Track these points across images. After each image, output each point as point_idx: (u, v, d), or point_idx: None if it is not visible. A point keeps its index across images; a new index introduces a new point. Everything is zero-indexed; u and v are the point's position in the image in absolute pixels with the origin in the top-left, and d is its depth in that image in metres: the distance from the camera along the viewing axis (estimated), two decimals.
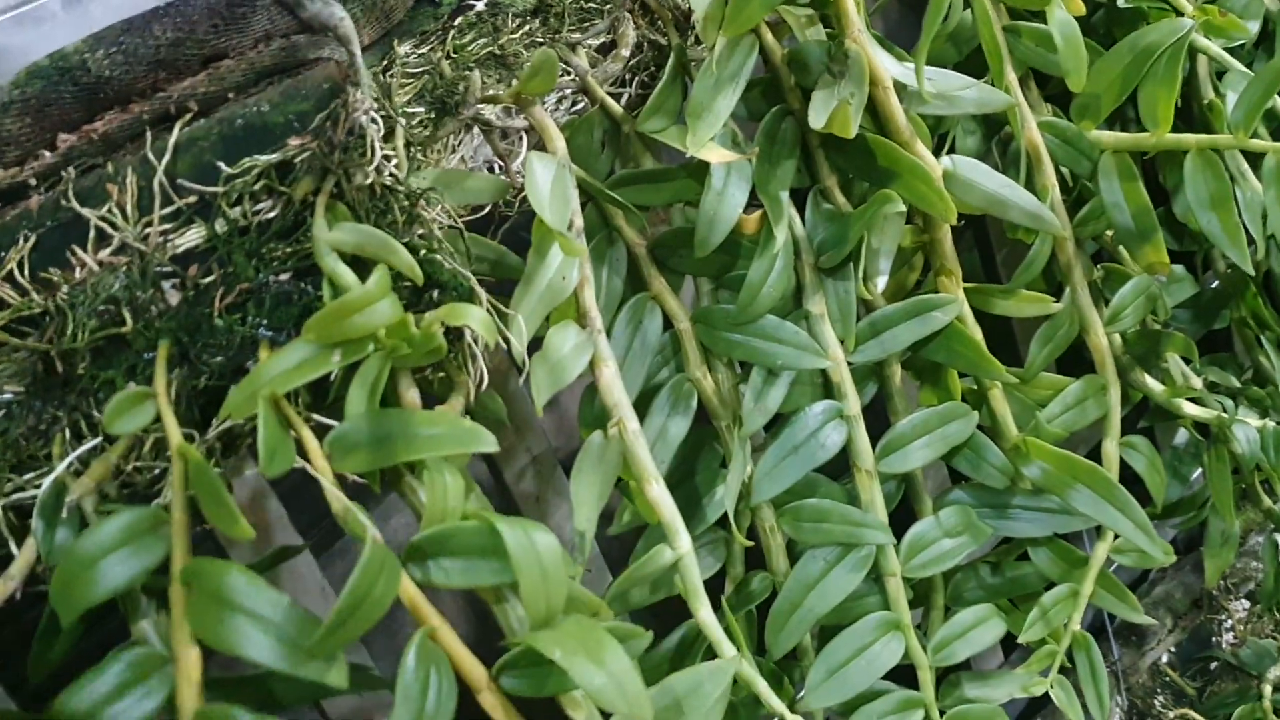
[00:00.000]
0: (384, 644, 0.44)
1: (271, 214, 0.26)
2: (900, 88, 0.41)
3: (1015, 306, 0.47)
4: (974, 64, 0.47)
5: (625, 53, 0.41)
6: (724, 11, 0.36)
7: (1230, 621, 0.70)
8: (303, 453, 0.26)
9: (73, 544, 0.24)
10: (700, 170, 0.40)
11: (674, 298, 0.42)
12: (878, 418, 0.45)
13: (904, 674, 0.45)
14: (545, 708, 0.29)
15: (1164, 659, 0.69)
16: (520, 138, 0.38)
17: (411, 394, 0.29)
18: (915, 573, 0.44)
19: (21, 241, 0.25)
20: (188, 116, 0.26)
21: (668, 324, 0.42)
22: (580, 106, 0.41)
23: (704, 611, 0.35)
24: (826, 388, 0.43)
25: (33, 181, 0.25)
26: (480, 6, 0.38)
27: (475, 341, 0.31)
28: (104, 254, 0.25)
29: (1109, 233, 0.50)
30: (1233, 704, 0.65)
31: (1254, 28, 0.53)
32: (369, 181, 0.27)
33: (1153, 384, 0.52)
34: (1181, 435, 0.59)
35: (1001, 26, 0.46)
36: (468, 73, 0.35)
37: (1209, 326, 0.59)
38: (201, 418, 0.30)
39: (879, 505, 0.44)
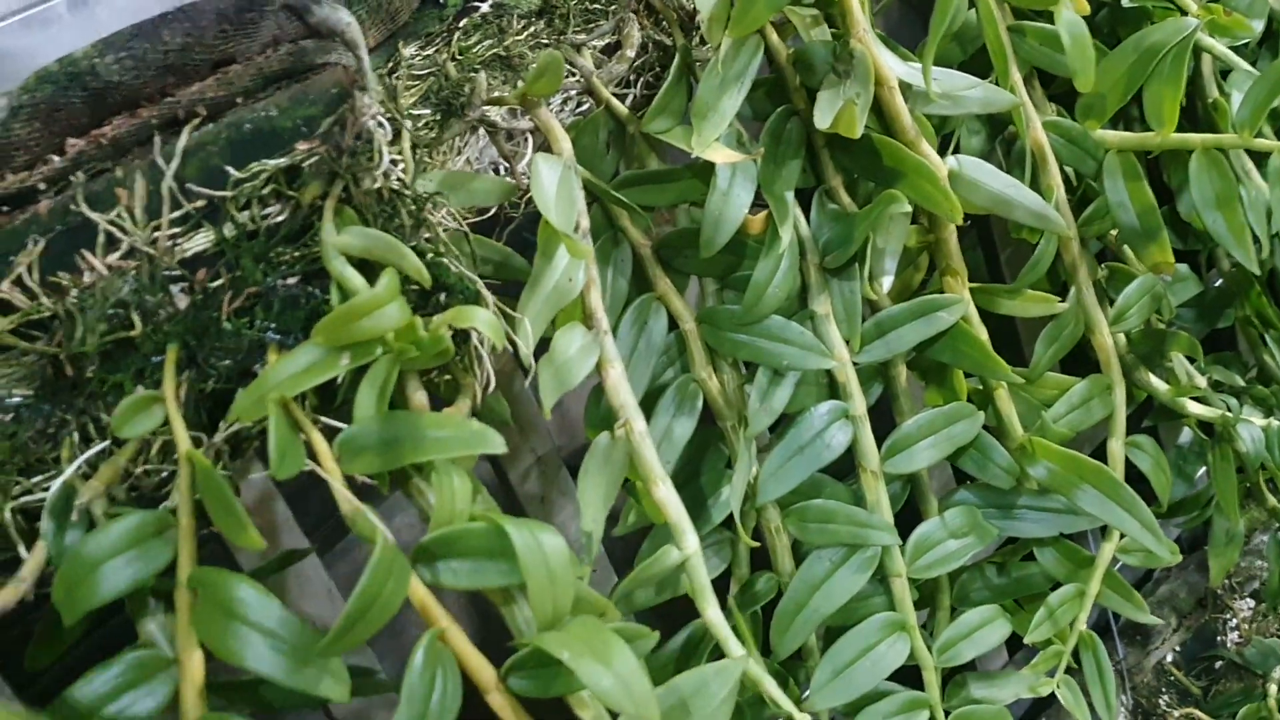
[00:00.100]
0: (388, 644, 0.44)
1: (279, 218, 0.26)
2: (905, 87, 0.41)
3: (1021, 306, 0.47)
4: (978, 63, 0.47)
5: (630, 53, 0.41)
6: (729, 12, 0.36)
7: (1235, 620, 0.70)
8: (311, 455, 0.26)
9: (78, 546, 0.24)
10: (705, 170, 0.40)
11: (679, 298, 0.42)
12: (883, 418, 0.45)
13: (909, 674, 0.45)
14: (552, 708, 0.29)
15: (1169, 658, 0.69)
16: (525, 139, 0.38)
17: (419, 396, 0.29)
18: (921, 573, 0.44)
19: (31, 245, 0.25)
20: (196, 121, 0.26)
21: (673, 324, 0.42)
22: (585, 107, 0.41)
23: (712, 611, 0.35)
24: (832, 388, 0.43)
25: (42, 186, 0.25)
26: (485, 8, 0.38)
27: (481, 344, 0.31)
28: (113, 258, 0.25)
29: (1113, 232, 0.50)
30: (1238, 703, 0.65)
31: (1259, 26, 0.53)
32: (376, 186, 0.27)
33: (1157, 383, 0.52)
34: (1186, 434, 0.58)
35: (1006, 26, 0.46)
36: (473, 74, 0.35)
37: (1213, 325, 0.59)
38: (209, 421, 0.30)
39: (884, 506, 0.44)
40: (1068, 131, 0.48)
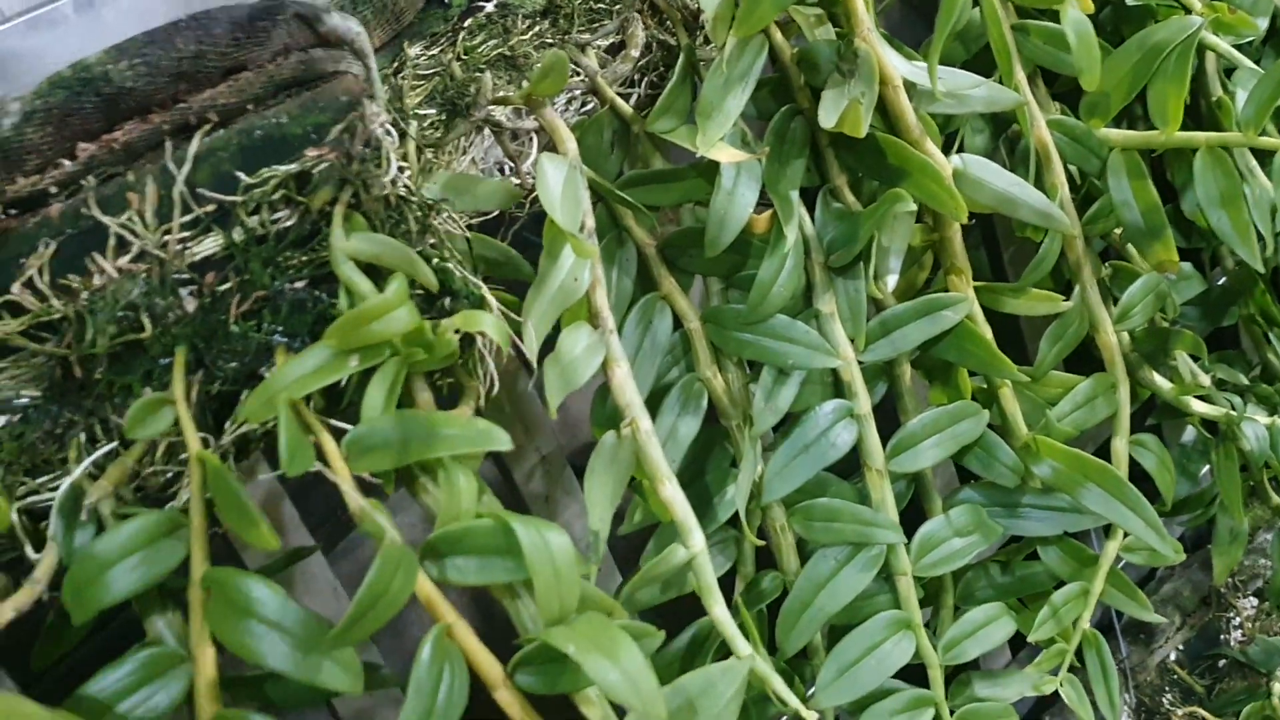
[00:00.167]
0: (390, 643, 0.45)
1: (288, 223, 0.27)
2: (910, 86, 0.41)
3: (1025, 305, 0.47)
4: (981, 62, 0.47)
5: (634, 53, 0.41)
6: (734, 11, 0.36)
7: (1239, 619, 0.70)
8: (319, 455, 0.27)
9: (89, 546, 0.24)
10: (710, 170, 0.40)
11: (684, 297, 0.42)
12: (888, 417, 0.45)
13: (914, 673, 0.45)
14: (556, 709, 0.29)
15: (1172, 657, 0.70)
16: (530, 139, 0.38)
17: (425, 396, 0.29)
18: (926, 572, 0.45)
19: (42, 248, 0.25)
20: (207, 127, 0.26)
21: (677, 324, 0.42)
22: (590, 107, 0.41)
23: (718, 609, 0.35)
24: (837, 387, 0.43)
25: (53, 190, 0.25)
26: (490, 8, 0.38)
27: (486, 347, 0.31)
28: (123, 261, 0.26)
29: (1118, 230, 0.50)
30: (1241, 701, 0.65)
31: (1263, 24, 0.52)
32: (385, 193, 0.27)
33: (1161, 382, 0.52)
34: (1190, 432, 0.59)
35: (1010, 25, 0.46)
36: (479, 74, 0.35)
37: (1217, 324, 0.59)
38: (214, 422, 0.30)
39: (889, 504, 0.44)
40: (1072, 130, 0.48)
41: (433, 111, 0.36)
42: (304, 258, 0.27)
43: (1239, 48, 0.50)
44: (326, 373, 0.26)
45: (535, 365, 0.33)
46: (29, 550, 0.28)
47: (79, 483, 0.28)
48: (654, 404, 0.40)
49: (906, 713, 0.44)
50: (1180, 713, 0.66)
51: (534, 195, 0.38)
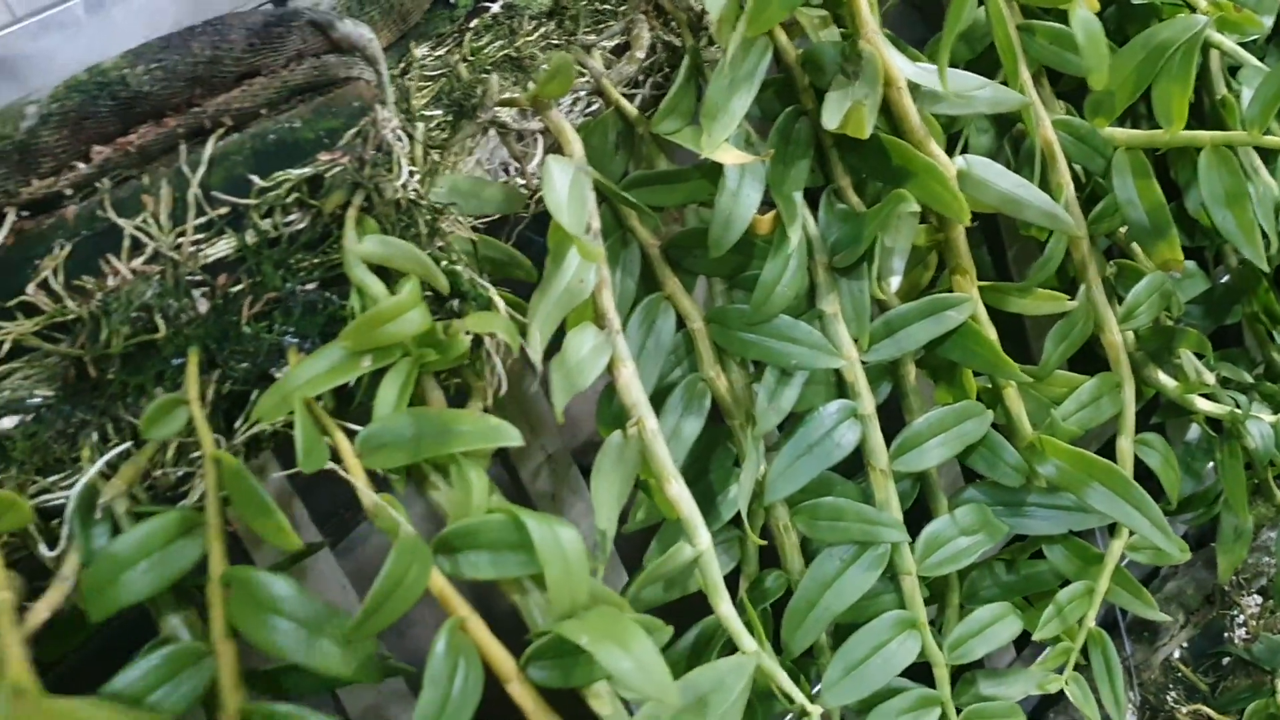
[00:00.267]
0: (394, 643, 0.45)
1: (300, 226, 0.27)
2: (914, 87, 0.41)
3: (1031, 305, 0.47)
4: (985, 62, 0.47)
5: (639, 54, 0.41)
6: (738, 13, 0.37)
7: (1243, 617, 0.70)
8: (331, 453, 0.27)
9: (109, 546, 0.25)
10: (714, 171, 0.40)
11: (687, 297, 0.42)
12: (893, 416, 0.45)
13: (920, 672, 0.45)
14: (565, 707, 0.29)
15: (1176, 655, 0.70)
16: (535, 139, 0.39)
17: (436, 395, 0.29)
18: (931, 571, 0.45)
19: (57, 249, 0.26)
20: (221, 131, 0.26)
21: (681, 324, 0.42)
22: (595, 108, 0.41)
23: (724, 606, 0.36)
24: (840, 387, 0.43)
25: (68, 192, 0.26)
26: (496, 9, 0.39)
27: (495, 348, 0.31)
28: (137, 263, 0.26)
29: (1123, 229, 0.50)
30: (1246, 699, 0.65)
31: (1268, 22, 0.52)
32: (396, 196, 0.28)
33: (1166, 380, 0.52)
34: (1194, 431, 0.59)
35: (1015, 25, 0.46)
36: (485, 76, 0.35)
37: (1221, 322, 0.59)
38: (224, 422, 0.30)
39: (894, 504, 0.44)
40: (1077, 130, 0.48)
41: (439, 113, 0.36)
42: (315, 260, 0.27)
43: (1244, 45, 0.50)
44: (340, 373, 0.26)
45: (539, 366, 0.33)
46: (43, 549, 0.28)
47: (93, 481, 0.28)
48: (657, 404, 0.40)
49: (913, 712, 0.45)
50: (1184, 711, 0.66)
51: (537, 195, 0.38)
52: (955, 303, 0.44)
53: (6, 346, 0.27)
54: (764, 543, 0.44)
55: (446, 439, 0.27)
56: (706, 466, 0.43)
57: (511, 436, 0.28)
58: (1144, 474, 0.49)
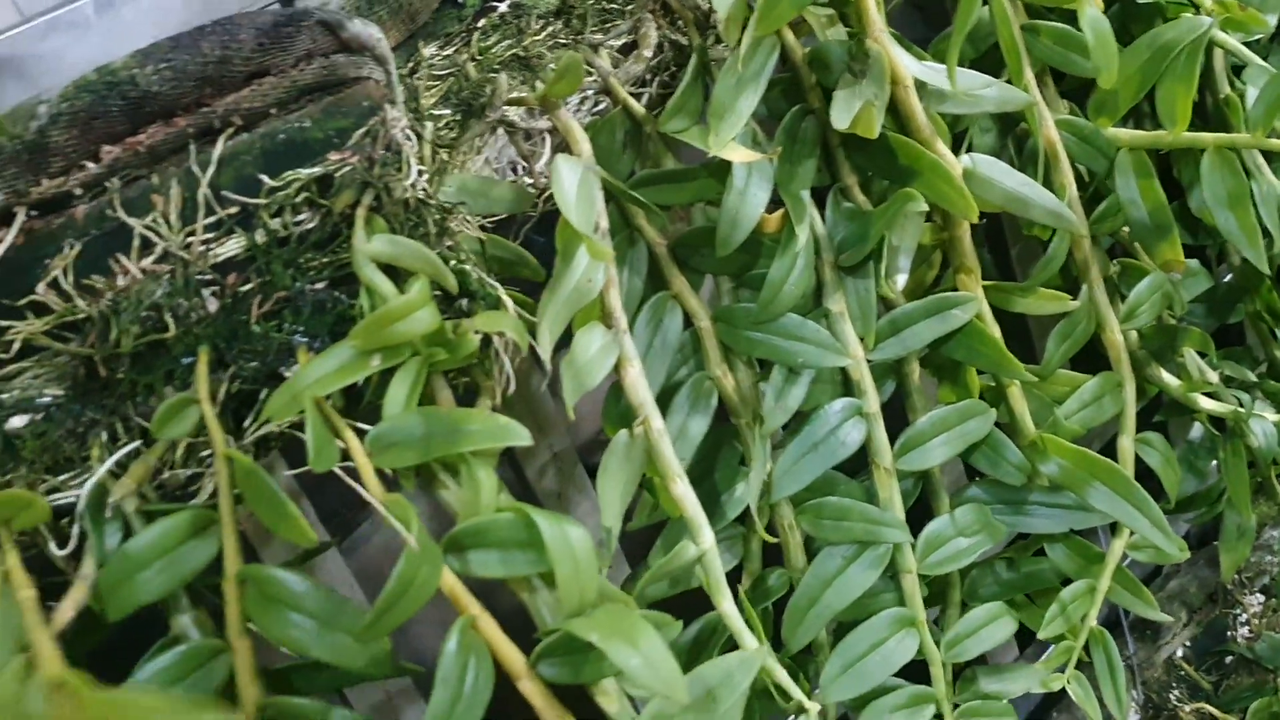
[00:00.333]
0: (397, 640, 0.45)
1: (310, 225, 0.27)
2: (920, 86, 0.41)
3: (1034, 304, 0.48)
4: (989, 61, 0.47)
5: (647, 53, 0.41)
6: (746, 12, 0.37)
7: (1245, 615, 0.71)
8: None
9: (125, 546, 0.25)
10: (721, 170, 0.40)
11: (694, 296, 0.42)
12: (896, 415, 0.45)
13: (920, 669, 0.45)
14: (567, 704, 0.29)
15: (1179, 653, 0.70)
16: (543, 139, 0.39)
17: (446, 395, 0.29)
18: (931, 570, 0.45)
19: (66, 249, 0.26)
20: (231, 131, 0.26)
21: (687, 322, 0.42)
22: (602, 107, 0.41)
23: (726, 604, 0.36)
24: (846, 385, 0.43)
25: (78, 191, 0.26)
26: (504, 8, 0.39)
27: (504, 347, 0.31)
28: (147, 262, 0.26)
29: (1125, 229, 0.50)
30: (1249, 698, 0.65)
31: (1272, 21, 0.52)
32: (405, 196, 0.28)
33: (1169, 379, 0.52)
34: (1197, 429, 0.59)
35: (1020, 25, 0.46)
36: (493, 75, 0.35)
37: (1223, 321, 0.59)
38: (234, 421, 0.30)
39: (897, 503, 0.44)
40: (1080, 130, 0.48)
41: (447, 112, 0.36)
42: (324, 259, 0.28)
43: (1247, 45, 0.50)
44: (349, 372, 0.26)
45: (548, 365, 0.33)
46: (53, 547, 0.28)
47: (102, 480, 0.28)
48: (664, 402, 0.40)
49: (907, 709, 0.45)
50: (1187, 709, 0.67)
51: (544, 195, 0.38)
52: (961, 301, 0.44)
53: (17, 346, 0.27)
54: (773, 539, 0.44)
55: (456, 438, 0.27)
56: (712, 465, 0.43)
57: (521, 436, 0.28)
58: (1145, 473, 0.49)
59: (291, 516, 0.24)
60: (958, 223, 0.44)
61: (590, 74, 0.40)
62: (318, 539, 0.25)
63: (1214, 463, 0.57)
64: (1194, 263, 0.55)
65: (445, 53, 0.37)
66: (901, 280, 0.43)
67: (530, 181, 0.38)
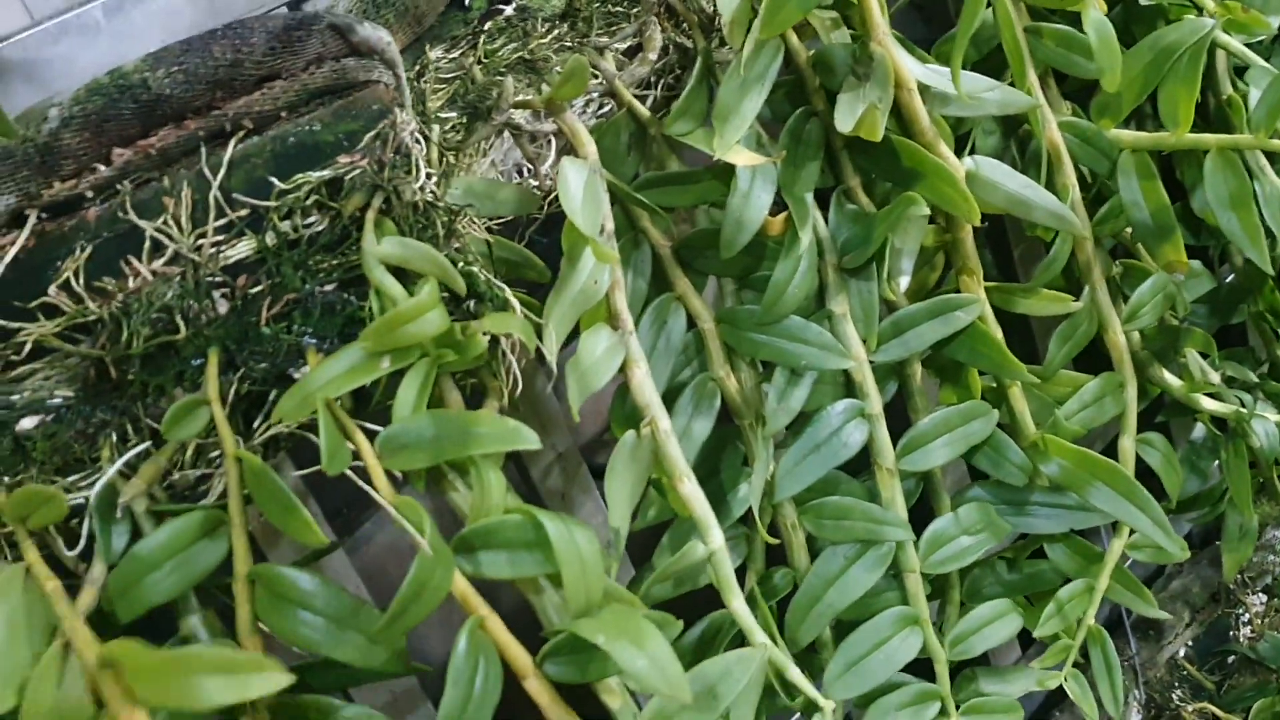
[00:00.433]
0: None
1: (319, 228, 0.27)
2: (923, 89, 0.41)
3: (1037, 305, 0.48)
4: (991, 63, 0.47)
5: (651, 56, 0.42)
6: (751, 15, 0.37)
7: (1248, 615, 0.71)
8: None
9: (136, 547, 0.25)
10: (725, 172, 0.40)
11: (698, 298, 0.42)
12: (898, 416, 0.45)
13: (921, 667, 0.46)
14: (570, 700, 0.29)
15: (1182, 653, 0.70)
16: (549, 141, 0.39)
17: (455, 396, 0.30)
18: (934, 569, 0.45)
19: (78, 251, 0.26)
20: (241, 134, 0.26)
21: (691, 324, 0.42)
22: (607, 109, 0.42)
23: (736, 602, 0.36)
24: (848, 386, 0.44)
25: (89, 194, 0.26)
26: (509, 11, 0.39)
27: (511, 348, 0.31)
28: (158, 264, 0.26)
29: (1128, 230, 0.51)
30: (1251, 697, 0.65)
31: (1275, 23, 0.53)
32: (415, 199, 0.28)
33: (1171, 379, 0.52)
34: (1199, 430, 0.59)
35: (1023, 27, 0.46)
36: (500, 78, 0.36)
37: (1226, 321, 0.60)
38: (243, 423, 0.30)
39: (899, 503, 0.44)
40: (1083, 131, 0.48)
41: (454, 115, 0.36)
42: (334, 261, 0.28)
43: (1250, 46, 0.50)
44: (359, 374, 0.26)
45: (554, 366, 0.33)
46: (61, 547, 0.28)
47: (112, 481, 0.28)
48: (668, 403, 0.40)
49: (912, 706, 0.45)
50: (1190, 709, 0.67)
51: (550, 197, 0.38)
52: (963, 303, 0.44)
53: (28, 347, 0.27)
54: (775, 540, 0.44)
55: (466, 441, 0.27)
56: (716, 466, 0.44)
57: (530, 439, 0.28)
58: (1146, 473, 0.49)
59: (301, 517, 0.24)
60: (960, 225, 0.45)
61: (595, 77, 0.40)
62: (326, 538, 0.25)
63: (1216, 463, 0.57)
64: (1196, 264, 0.55)
65: (451, 56, 0.37)
66: (904, 282, 0.44)
67: (536, 184, 0.38)
